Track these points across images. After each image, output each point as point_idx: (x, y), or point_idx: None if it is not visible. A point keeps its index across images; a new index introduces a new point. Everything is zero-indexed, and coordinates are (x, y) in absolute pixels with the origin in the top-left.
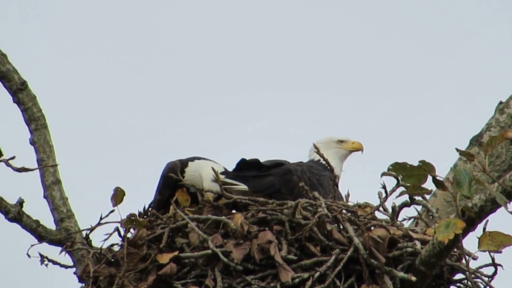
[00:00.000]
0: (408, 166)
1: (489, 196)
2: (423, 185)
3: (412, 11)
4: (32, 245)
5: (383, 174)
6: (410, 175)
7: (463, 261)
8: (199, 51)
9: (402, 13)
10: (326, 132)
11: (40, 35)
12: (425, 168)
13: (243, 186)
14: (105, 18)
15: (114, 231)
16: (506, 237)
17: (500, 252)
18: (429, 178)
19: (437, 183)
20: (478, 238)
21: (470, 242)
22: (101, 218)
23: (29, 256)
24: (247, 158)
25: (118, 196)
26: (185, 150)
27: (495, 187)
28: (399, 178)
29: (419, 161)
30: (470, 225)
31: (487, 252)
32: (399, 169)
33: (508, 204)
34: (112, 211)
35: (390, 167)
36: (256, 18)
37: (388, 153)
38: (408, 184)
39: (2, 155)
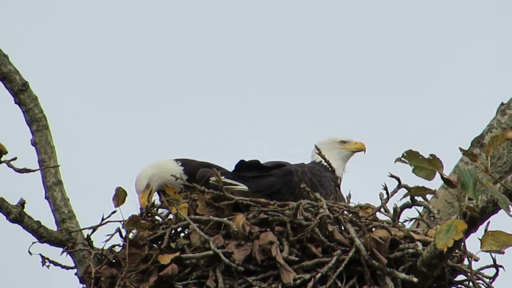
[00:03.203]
0: (420, 157)
1: (490, 197)
2: (431, 182)
3: (414, 11)
4: (33, 243)
5: (397, 160)
6: (421, 168)
7: (465, 262)
8: (200, 51)
9: (404, 13)
10: (328, 132)
11: (42, 36)
12: (434, 164)
13: (242, 186)
14: (105, 19)
15: (115, 232)
16: (508, 236)
17: (503, 252)
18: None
19: (446, 180)
20: (480, 239)
21: (471, 243)
22: (103, 219)
23: (30, 253)
24: (248, 160)
25: (120, 196)
26: (186, 150)
27: (497, 188)
28: (400, 178)
29: (430, 155)
30: (472, 226)
31: (489, 253)
32: (412, 158)
33: (510, 207)
34: (114, 211)
35: (405, 154)
36: (257, 18)
37: (389, 154)
38: (409, 185)
39: (7, 152)
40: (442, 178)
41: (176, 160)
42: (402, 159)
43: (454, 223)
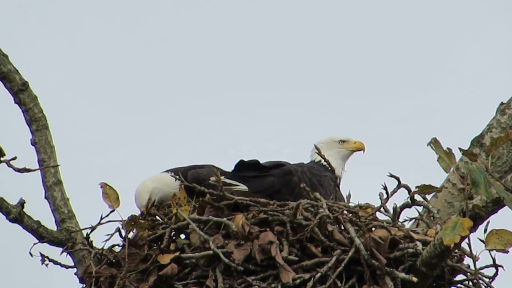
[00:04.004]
0: (441, 148)
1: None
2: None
3: (414, 12)
4: (34, 244)
5: (428, 144)
6: (442, 159)
7: (464, 261)
8: (199, 53)
9: (404, 14)
10: (328, 132)
11: (41, 36)
12: (449, 158)
13: (242, 187)
14: (106, 19)
15: (115, 232)
16: None
17: (507, 251)
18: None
19: (467, 153)
20: (479, 239)
21: (471, 243)
22: (101, 218)
23: (31, 254)
24: (247, 160)
25: (110, 196)
26: (186, 150)
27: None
28: (400, 178)
29: (447, 148)
30: (472, 226)
31: (488, 253)
32: (437, 148)
33: None
34: (112, 211)
35: (432, 141)
36: (257, 18)
37: (389, 154)
38: (409, 185)
39: (5, 154)
40: (464, 153)
41: (166, 171)
42: (431, 145)
43: (460, 221)
